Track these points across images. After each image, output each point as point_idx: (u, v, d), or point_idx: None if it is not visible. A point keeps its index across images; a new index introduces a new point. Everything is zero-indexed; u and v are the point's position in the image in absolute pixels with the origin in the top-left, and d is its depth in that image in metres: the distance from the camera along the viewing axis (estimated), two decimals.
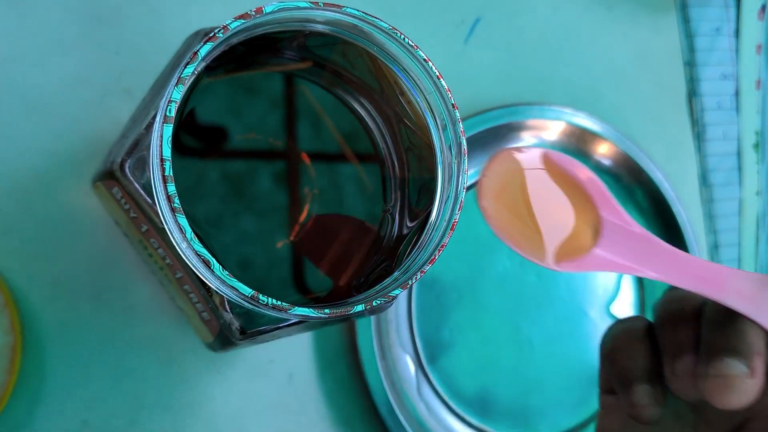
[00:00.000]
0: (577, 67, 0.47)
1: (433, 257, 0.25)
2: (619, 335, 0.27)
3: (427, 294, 0.41)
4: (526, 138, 0.44)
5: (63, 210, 0.36)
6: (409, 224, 0.28)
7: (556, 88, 0.46)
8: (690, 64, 0.49)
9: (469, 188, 0.35)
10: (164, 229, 0.23)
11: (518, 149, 0.27)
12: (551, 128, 0.44)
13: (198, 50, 0.23)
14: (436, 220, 0.27)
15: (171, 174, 0.22)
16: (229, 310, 0.27)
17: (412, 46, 0.26)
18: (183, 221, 0.22)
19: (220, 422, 0.37)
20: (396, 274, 0.26)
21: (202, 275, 0.23)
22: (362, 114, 0.30)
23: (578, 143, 0.45)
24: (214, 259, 0.22)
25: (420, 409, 0.40)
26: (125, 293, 0.36)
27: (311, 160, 0.30)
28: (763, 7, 0.51)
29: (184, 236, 0.22)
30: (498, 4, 0.46)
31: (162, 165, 0.22)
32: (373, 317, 0.39)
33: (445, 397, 0.41)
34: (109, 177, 0.27)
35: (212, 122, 0.28)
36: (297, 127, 0.29)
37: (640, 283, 0.46)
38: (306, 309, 0.23)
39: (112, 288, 0.36)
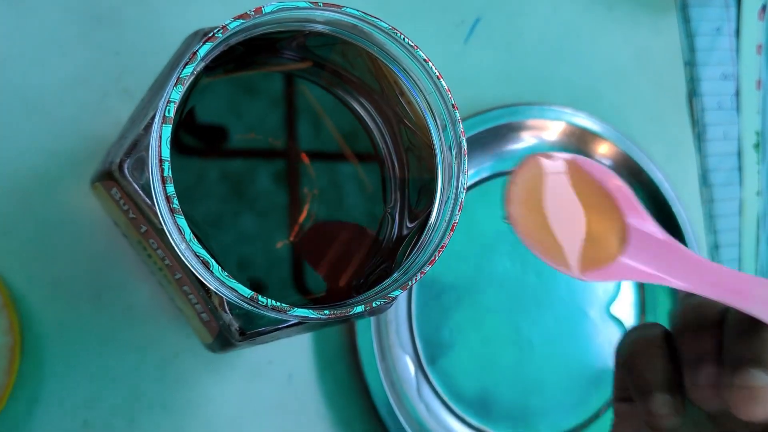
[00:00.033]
0: (577, 67, 0.47)
1: (433, 258, 0.25)
2: (637, 342, 0.27)
3: (426, 295, 0.41)
4: (526, 138, 0.44)
5: (62, 210, 0.35)
6: (408, 225, 0.28)
7: (556, 88, 0.46)
8: (690, 64, 0.49)
9: (469, 189, 0.35)
10: (163, 229, 0.23)
11: (547, 155, 0.26)
12: (551, 128, 0.44)
13: (197, 50, 0.23)
14: (436, 220, 0.27)
15: (170, 175, 0.22)
16: (228, 311, 0.27)
17: (412, 46, 0.26)
18: (182, 222, 0.22)
19: (219, 423, 0.37)
20: (396, 275, 0.26)
21: (201, 276, 0.23)
22: (362, 114, 0.30)
23: (578, 143, 0.45)
24: (213, 260, 0.22)
25: (420, 409, 0.40)
26: (124, 294, 0.36)
27: (311, 160, 0.29)
28: (764, 7, 0.50)
29: (183, 237, 0.22)
30: (498, 4, 0.45)
31: (161, 166, 0.22)
32: (372, 318, 0.39)
33: (445, 398, 0.41)
34: (107, 178, 0.27)
35: (211, 122, 0.28)
36: (297, 127, 0.29)
37: (640, 284, 0.46)
38: (305, 310, 0.23)
39: (111, 288, 0.36)
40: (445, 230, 0.26)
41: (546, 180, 0.26)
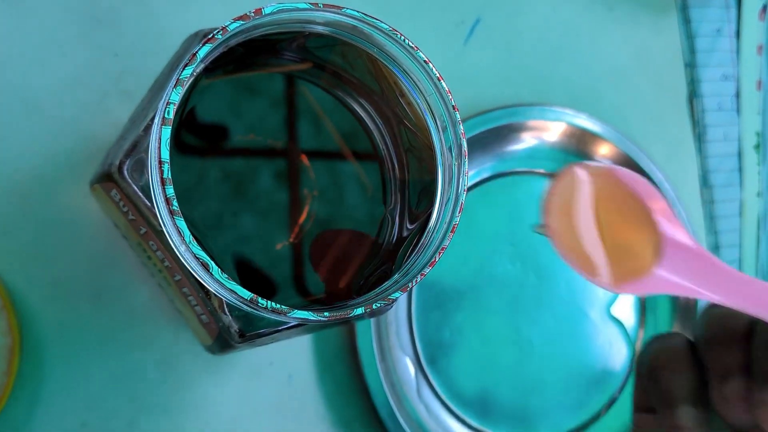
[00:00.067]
0: (577, 67, 0.47)
1: (433, 260, 0.25)
2: (661, 353, 0.26)
3: (426, 295, 0.41)
4: (527, 139, 0.44)
5: (61, 211, 0.35)
6: (409, 226, 0.28)
7: (556, 89, 0.46)
8: (691, 65, 0.49)
9: (469, 190, 0.35)
10: (163, 231, 0.23)
11: (584, 165, 0.26)
12: (552, 129, 0.44)
13: (197, 52, 0.23)
14: (437, 222, 0.27)
15: (169, 176, 0.22)
16: (228, 313, 0.27)
17: (412, 47, 0.26)
18: (181, 224, 0.22)
19: (219, 424, 0.37)
20: (396, 276, 0.26)
21: (201, 278, 0.23)
22: (362, 115, 0.29)
23: (578, 144, 0.45)
24: (212, 262, 0.22)
25: (420, 410, 0.40)
26: (124, 295, 0.36)
27: (311, 161, 0.29)
28: (764, 8, 0.50)
29: (183, 239, 0.22)
30: (498, 4, 0.45)
31: (160, 167, 0.22)
32: (372, 319, 0.39)
33: (445, 399, 0.41)
34: (107, 179, 0.27)
35: (211, 124, 0.28)
36: (297, 128, 0.29)
37: None
38: (305, 312, 0.23)
39: (110, 290, 0.36)
40: (446, 232, 0.26)
41: (581, 191, 0.26)
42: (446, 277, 0.42)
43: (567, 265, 0.26)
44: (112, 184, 0.27)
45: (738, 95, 0.50)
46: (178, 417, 0.36)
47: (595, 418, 0.44)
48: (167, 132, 0.22)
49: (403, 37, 0.26)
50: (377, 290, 0.25)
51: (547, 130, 0.44)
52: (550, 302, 0.44)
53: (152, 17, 0.38)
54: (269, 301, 0.23)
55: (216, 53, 0.25)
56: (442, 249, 0.25)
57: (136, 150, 0.27)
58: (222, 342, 0.29)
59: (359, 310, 0.24)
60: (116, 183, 0.27)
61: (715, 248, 0.48)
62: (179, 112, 0.25)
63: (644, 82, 0.48)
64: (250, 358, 0.38)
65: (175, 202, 0.22)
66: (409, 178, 0.29)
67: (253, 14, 0.24)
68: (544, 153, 0.45)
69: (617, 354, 0.45)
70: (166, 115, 0.22)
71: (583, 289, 0.45)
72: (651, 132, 0.48)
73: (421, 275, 0.25)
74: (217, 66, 0.26)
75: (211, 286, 0.23)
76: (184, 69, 0.23)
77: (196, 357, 0.37)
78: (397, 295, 0.24)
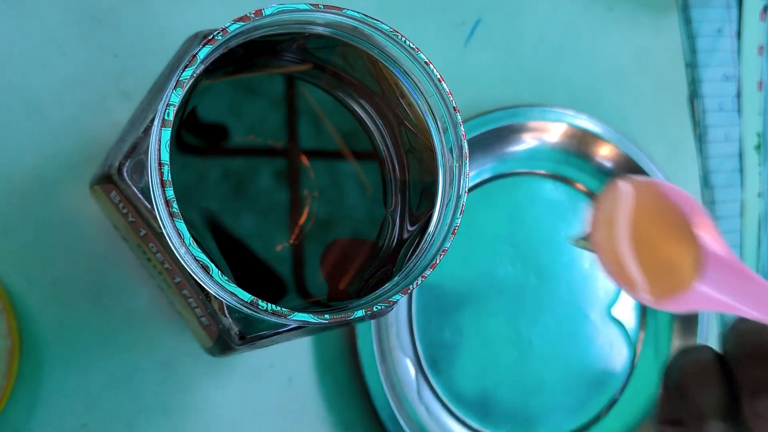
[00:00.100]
0: (577, 67, 0.47)
1: (434, 262, 0.25)
2: (689, 367, 0.26)
3: (427, 297, 0.41)
4: (528, 140, 0.44)
5: (61, 213, 0.35)
6: (409, 228, 0.28)
7: (557, 89, 0.46)
8: (691, 66, 0.49)
9: (469, 191, 0.35)
10: (162, 233, 0.23)
11: (628, 178, 0.26)
12: (552, 130, 0.44)
13: (197, 53, 0.23)
14: (437, 224, 0.27)
15: (169, 178, 0.22)
16: (228, 315, 0.27)
17: (413, 48, 0.26)
18: (181, 226, 0.22)
19: (219, 426, 0.37)
20: (397, 278, 0.26)
21: (201, 280, 0.23)
22: (362, 116, 0.29)
23: (579, 145, 0.45)
24: (212, 264, 0.22)
25: (420, 412, 0.40)
26: (124, 297, 0.36)
27: (311, 162, 0.29)
28: (765, 8, 0.50)
29: (183, 241, 0.22)
30: (498, 5, 0.45)
31: (160, 169, 0.22)
32: (373, 320, 0.39)
33: (446, 401, 0.41)
34: (106, 181, 0.27)
35: (211, 125, 0.28)
36: (297, 129, 0.29)
37: None
38: (306, 315, 0.23)
39: (110, 291, 0.36)
40: (447, 233, 0.26)
41: (623, 205, 0.26)
42: (446, 278, 0.42)
43: (610, 280, 0.26)
44: (112, 185, 0.27)
45: (739, 96, 0.50)
46: (178, 419, 0.36)
47: (595, 419, 0.44)
48: (167, 134, 0.22)
49: (403, 38, 0.26)
50: (378, 292, 0.25)
51: (547, 131, 0.44)
52: (550, 303, 0.44)
53: (152, 18, 0.38)
54: (270, 304, 0.23)
55: (216, 54, 0.25)
56: (443, 251, 0.25)
57: (136, 151, 0.26)
58: (222, 344, 0.29)
59: (360, 313, 0.24)
60: (116, 185, 0.27)
61: None
62: (179, 113, 0.25)
63: (645, 83, 0.48)
64: (250, 359, 0.38)
65: (175, 204, 0.22)
66: (409, 180, 0.29)
67: (253, 15, 0.24)
68: (544, 154, 0.45)
69: (618, 355, 0.45)
70: (166, 117, 0.22)
71: (584, 290, 0.44)
72: (652, 132, 0.48)
73: (422, 277, 0.25)
74: (217, 67, 0.26)
75: (211, 289, 0.23)
76: (184, 70, 0.23)
77: (196, 359, 0.37)
78: (397, 297, 0.24)
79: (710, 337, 0.46)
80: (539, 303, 0.43)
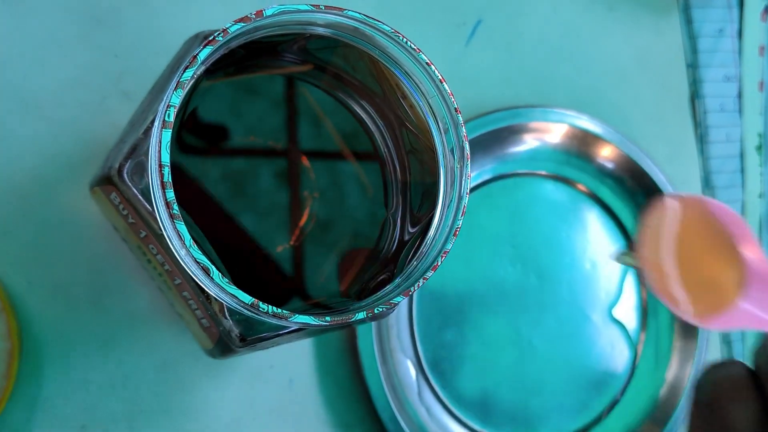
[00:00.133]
0: (578, 68, 0.47)
1: (436, 264, 0.25)
2: (722, 383, 0.26)
3: (428, 298, 0.41)
4: (529, 141, 0.44)
5: (61, 213, 0.35)
6: (410, 230, 0.28)
7: (557, 90, 0.46)
8: (693, 66, 0.49)
9: (470, 191, 0.35)
10: (163, 235, 0.23)
11: (676, 196, 0.26)
12: (554, 131, 0.44)
13: (197, 54, 0.23)
14: (439, 225, 0.27)
15: (170, 180, 0.22)
16: (228, 317, 0.27)
17: (414, 49, 0.26)
18: (182, 228, 0.22)
19: (219, 427, 0.37)
20: (398, 280, 0.26)
21: (201, 282, 0.23)
22: (363, 117, 0.29)
23: (580, 146, 0.45)
24: (213, 267, 0.22)
25: (421, 413, 0.40)
26: (124, 298, 0.36)
27: (312, 163, 0.29)
28: (766, 9, 0.50)
29: (183, 243, 0.22)
30: (499, 5, 0.45)
31: (161, 171, 0.22)
32: (373, 322, 0.39)
33: (447, 402, 0.41)
34: (107, 182, 0.27)
35: (212, 126, 0.28)
36: (297, 131, 0.29)
37: (643, 287, 0.46)
38: (306, 317, 0.23)
39: (110, 293, 0.36)
40: (448, 235, 0.26)
41: (669, 223, 0.26)
42: (447, 279, 0.42)
43: (662, 302, 0.26)
44: (112, 187, 0.27)
45: (740, 96, 0.50)
46: (178, 420, 0.36)
47: (596, 420, 0.44)
48: (168, 135, 0.22)
49: (405, 39, 0.26)
50: (379, 294, 0.25)
51: (548, 132, 0.44)
52: (551, 304, 0.43)
53: (152, 18, 0.38)
54: (270, 306, 0.22)
55: (217, 55, 0.24)
56: (445, 252, 0.25)
57: (136, 153, 0.26)
58: (223, 346, 0.29)
59: (361, 315, 0.24)
60: (116, 186, 0.27)
61: None
62: (180, 114, 0.25)
63: (646, 83, 0.48)
64: (250, 361, 0.38)
65: (175, 206, 0.22)
66: (410, 181, 0.29)
67: (254, 16, 0.24)
68: (545, 155, 0.45)
69: (619, 356, 0.45)
70: (166, 118, 0.22)
71: (585, 291, 0.44)
72: (653, 133, 0.48)
73: (424, 279, 0.25)
74: (217, 68, 0.26)
75: (212, 291, 0.23)
76: (184, 71, 0.23)
77: (196, 360, 0.37)
78: (399, 299, 0.24)
79: (711, 339, 0.46)
80: (540, 304, 0.43)
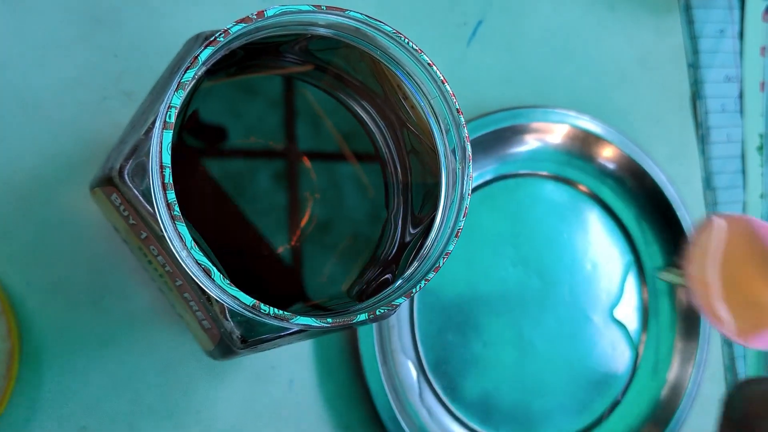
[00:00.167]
0: (579, 69, 0.47)
1: (437, 265, 0.25)
2: (755, 399, 0.26)
3: (429, 299, 0.41)
4: (530, 141, 0.44)
5: (61, 214, 0.35)
6: (412, 231, 0.28)
7: (558, 90, 0.46)
8: (694, 66, 0.49)
9: (472, 192, 0.35)
10: (164, 236, 0.23)
11: (723, 215, 0.27)
12: (555, 131, 0.44)
13: (198, 54, 0.23)
14: (440, 226, 0.27)
15: (171, 181, 0.22)
16: (229, 319, 0.27)
17: (416, 49, 0.26)
18: (183, 229, 0.22)
19: (220, 428, 0.37)
20: (399, 282, 0.26)
21: (203, 284, 0.23)
22: (364, 118, 0.29)
23: (582, 146, 0.45)
24: (214, 268, 0.22)
25: (422, 414, 0.40)
26: (124, 299, 0.36)
27: (312, 164, 0.29)
28: None
29: (184, 244, 0.22)
30: (500, 6, 0.45)
31: (162, 172, 0.22)
32: (374, 323, 0.39)
33: (448, 403, 0.41)
34: (107, 183, 0.27)
35: (213, 127, 0.28)
36: (298, 131, 0.29)
37: (644, 288, 0.46)
38: (308, 318, 0.23)
39: (111, 294, 0.36)
40: (450, 236, 0.26)
41: (717, 242, 0.26)
42: (448, 279, 0.42)
43: (708, 322, 0.26)
44: (113, 188, 0.27)
45: (741, 97, 0.50)
46: (178, 421, 0.36)
47: (597, 421, 0.44)
48: (168, 136, 0.22)
49: (406, 40, 0.26)
50: (381, 295, 0.25)
51: (550, 132, 0.44)
52: (552, 305, 0.43)
53: (153, 18, 0.38)
54: (272, 308, 0.22)
55: (218, 56, 0.24)
56: (447, 254, 0.25)
57: (137, 154, 0.26)
58: (224, 347, 0.29)
59: (362, 316, 0.24)
60: (117, 187, 0.27)
61: None
62: (180, 115, 0.25)
63: (647, 84, 0.48)
64: (251, 362, 0.38)
65: (176, 207, 0.22)
66: (411, 181, 0.29)
67: (255, 17, 0.24)
68: (547, 155, 0.44)
69: (620, 357, 0.45)
70: (167, 119, 0.22)
71: (586, 292, 0.44)
72: (654, 134, 0.48)
73: (426, 280, 0.25)
74: (218, 68, 0.26)
75: (213, 292, 0.23)
76: (185, 72, 0.23)
77: (197, 361, 0.36)
78: (400, 300, 0.24)
79: (712, 340, 0.46)
80: (541, 304, 0.43)
